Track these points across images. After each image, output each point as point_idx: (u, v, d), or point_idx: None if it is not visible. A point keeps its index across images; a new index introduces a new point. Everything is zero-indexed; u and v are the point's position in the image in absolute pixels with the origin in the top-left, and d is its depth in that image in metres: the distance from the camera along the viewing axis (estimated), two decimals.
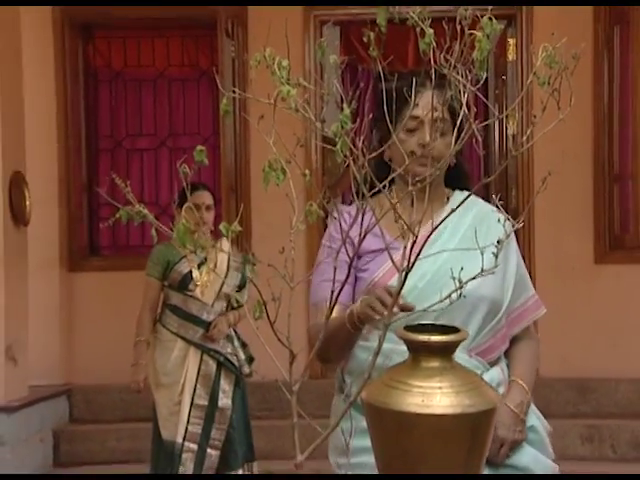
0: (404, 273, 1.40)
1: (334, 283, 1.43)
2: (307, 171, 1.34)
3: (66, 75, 6.45)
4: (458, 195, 2.23)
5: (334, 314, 1.77)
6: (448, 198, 2.24)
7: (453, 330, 1.63)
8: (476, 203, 2.21)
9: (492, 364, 2.13)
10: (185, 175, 1.34)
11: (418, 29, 1.30)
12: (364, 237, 1.38)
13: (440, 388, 1.52)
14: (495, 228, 1.79)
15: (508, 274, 2.19)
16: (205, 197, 4.59)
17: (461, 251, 1.79)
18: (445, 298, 1.45)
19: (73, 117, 6.50)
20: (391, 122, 1.69)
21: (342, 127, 1.27)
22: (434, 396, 1.50)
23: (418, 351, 1.60)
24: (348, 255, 1.43)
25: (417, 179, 1.58)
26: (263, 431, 5.23)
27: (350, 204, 2.23)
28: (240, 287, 4.58)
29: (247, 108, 6.01)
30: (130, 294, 6.11)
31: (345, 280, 1.52)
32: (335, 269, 1.44)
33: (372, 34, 1.28)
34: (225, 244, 4.46)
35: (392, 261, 1.51)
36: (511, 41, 6.40)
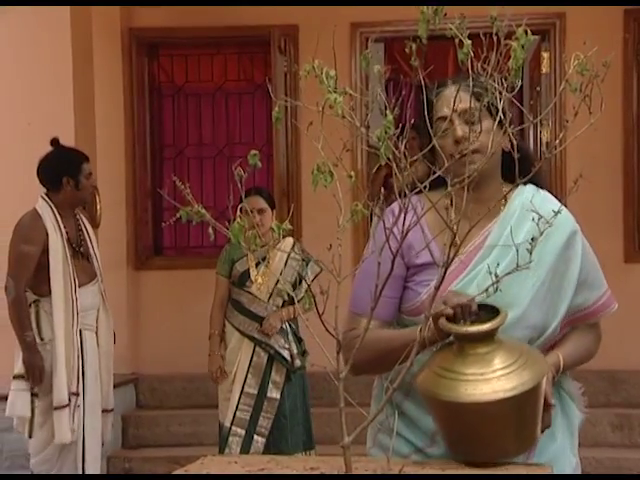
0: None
1: (378, 289, 1.38)
2: (352, 172, 1.33)
3: (133, 90, 6.53)
4: (519, 193, 1.92)
5: (372, 327, 1.65)
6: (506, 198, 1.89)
7: (496, 310, 1.61)
8: (539, 205, 1.81)
9: None
10: (240, 178, 1.34)
11: (457, 40, 1.28)
12: (406, 234, 1.36)
13: (482, 374, 1.51)
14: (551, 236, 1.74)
15: (562, 291, 1.91)
16: (255, 202, 4.55)
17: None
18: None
19: (139, 128, 6.57)
20: (427, 133, 1.64)
21: (385, 132, 1.26)
22: (477, 384, 1.48)
23: (461, 340, 1.59)
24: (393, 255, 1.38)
25: (456, 180, 1.53)
26: (313, 418, 5.23)
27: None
28: (295, 286, 4.58)
29: (298, 117, 6.02)
30: (191, 290, 6.19)
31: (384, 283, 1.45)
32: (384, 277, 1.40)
33: (414, 45, 1.27)
34: (287, 244, 4.50)
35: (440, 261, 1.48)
36: (545, 55, 6.33)
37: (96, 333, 4.32)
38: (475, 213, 1.67)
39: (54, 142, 4.36)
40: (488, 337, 1.58)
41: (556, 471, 1.78)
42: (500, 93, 1.30)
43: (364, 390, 2.12)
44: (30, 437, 4.14)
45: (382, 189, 1.41)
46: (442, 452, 1.79)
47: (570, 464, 1.96)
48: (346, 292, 1.45)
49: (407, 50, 1.28)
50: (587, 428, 2.14)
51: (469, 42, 1.26)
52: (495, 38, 1.26)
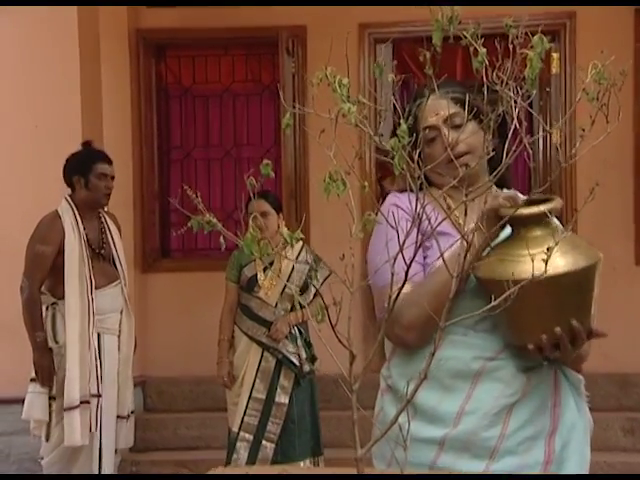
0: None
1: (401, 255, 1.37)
2: (366, 183, 1.32)
3: (140, 91, 6.53)
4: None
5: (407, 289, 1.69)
6: None
7: (547, 200, 1.71)
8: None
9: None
10: (252, 187, 1.33)
11: (472, 49, 1.27)
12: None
13: (540, 254, 1.52)
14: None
15: None
16: (259, 205, 4.51)
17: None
18: (496, 302, 1.42)
19: (147, 130, 6.57)
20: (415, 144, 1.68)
21: (399, 141, 1.25)
22: (535, 262, 1.49)
23: (520, 224, 1.71)
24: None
25: (446, 188, 1.63)
26: (322, 422, 5.23)
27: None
28: (303, 290, 4.57)
29: (306, 120, 6.01)
30: (198, 293, 6.19)
31: (415, 252, 1.44)
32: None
33: (428, 53, 1.26)
34: (296, 248, 4.49)
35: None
36: (555, 55, 6.31)
37: (119, 337, 4.33)
38: (469, 209, 1.72)
39: (85, 143, 4.41)
40: (545, 220, 1.69)
41: (573, 455, 1.90)
42: (515, 102, 1.28)
43: (374, 392, 2.10)
44: (47, 440, 4.16)
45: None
46: (468, 428, 1.85)
47: (586, 457, 1.98)
48: (358, 302, 1.44)
49: (421, 58, 1.27)
50: (598, 432, 2.14)
51: (484, 50, 1.25)
52: (511, 46, 1.25)
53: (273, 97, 6.62)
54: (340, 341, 1.31)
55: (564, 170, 5.99)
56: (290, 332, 4.55)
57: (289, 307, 4.58)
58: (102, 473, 4.19)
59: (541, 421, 1.90)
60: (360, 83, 6.16)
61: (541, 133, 6.35)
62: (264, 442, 4.50)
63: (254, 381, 4.52)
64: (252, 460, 4.47)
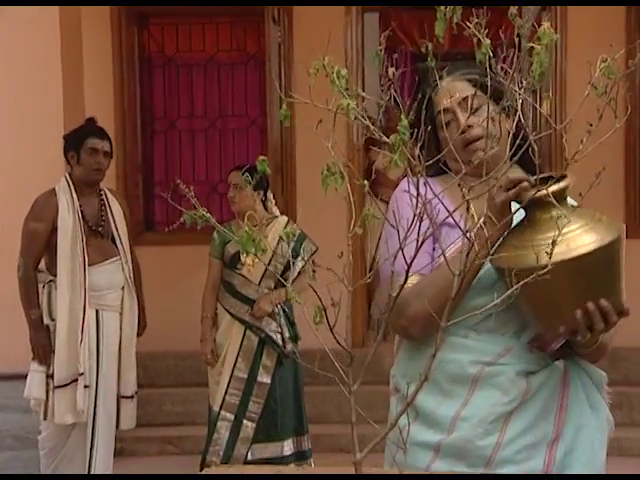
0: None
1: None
2: (366, 182, 1.28)
3: (122, 60, 6.42)
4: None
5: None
6: None
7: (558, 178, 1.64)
8: None
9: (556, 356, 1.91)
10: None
11: (475, 39, 1.23)
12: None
13: (562, 235, 1.49)
14: None
15: None
16: (233, 177, 4.51)
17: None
18: (501, 298, 1.37)
19: (129, 100, 6.47)
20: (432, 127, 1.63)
21: (401, 138, 1.21)
22: (558, 245, 1.44)
23: (533, 208, 1.63)
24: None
25: (463, 172, 1.48)
26: (307, 397, 5.23)
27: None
28: (287, 268, 4.51)
29: (292, 89, 5.94)
30: (183, 267, 6.14)
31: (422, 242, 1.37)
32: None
33: (430, 45, 1.21)
34: (280, 223, 4.45)
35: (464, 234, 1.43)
36: (545, 24, 6.24)
37: (121, 315, 4.31)
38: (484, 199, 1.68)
39: (89, 119, 4.38)
40: (560, 199, 1.61)
41: (576, 462, 1.85)
42: (520, 95, 1.24)
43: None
44: (45, 419, 4.15)
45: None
46: (462, 435, 1.82)
47: (594, 463, 1.91)
48: (354, 300, 1.40)
49: (423, 50, 1.22)
50: None
51: (488, 42, 1.21)
52: (517, 40, 1.21)
53: (259, 67, 6.53)
54: (339, 343, 1.28)
55: (554, 144, 5.96)
56: (273, 311, 4.50)
57: (273, 285, 4.52)
58: (95, 452, 4.18)
59: (543, 428, 1.85)
60: (347, 52, 6.07)
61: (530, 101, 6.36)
62: (245, 421, 4.47)
63: (236, 360, 4.48)
64: (233, 439, 4.45)
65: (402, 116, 1.21)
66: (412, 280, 1.50)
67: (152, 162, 6.67)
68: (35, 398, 4.14)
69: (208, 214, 1.34)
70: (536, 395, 1.85)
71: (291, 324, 4.57)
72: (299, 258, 4.50)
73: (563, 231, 1.50)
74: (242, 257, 4.45)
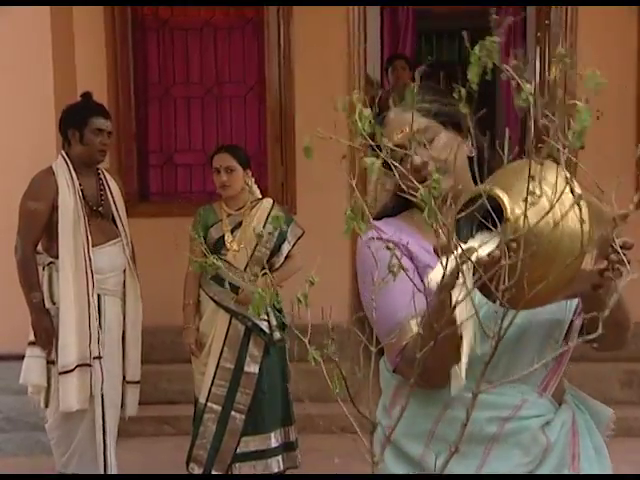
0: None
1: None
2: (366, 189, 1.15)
3: (115, 24, 6.26)
4: None
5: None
6: None
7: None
8: None
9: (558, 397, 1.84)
10: None
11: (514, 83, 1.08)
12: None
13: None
14: None
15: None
16: (224, 159, 4.34)
17: None
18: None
19: (122, 65, 6.32)
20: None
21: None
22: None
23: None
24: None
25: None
26: (300, 374, 5.12)
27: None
28: (274, 252, 4.38)
29: (291, 56, 5.80)
30: (179, 239, 6.00)
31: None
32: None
33: (463, 90, 1.07)
34: (266, 205, 4.32)
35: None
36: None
37: (123, 300, 4.21)
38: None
39: (84, 95, 4.21)
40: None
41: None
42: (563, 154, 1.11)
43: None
44: (46, 406, 4.06)
45: None
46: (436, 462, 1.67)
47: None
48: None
49: (456, 95, 1.08)
50: (594, 384, 2.04)
51: (529, 86, 1.07)
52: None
53: (257, 31, 6.37)
54: (359, 411, 1.17)
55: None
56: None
57: (259, 271, 4.29)
58: (106, 439, 4.10)
59: None
60: (349, 20, 5.90)
61: (537, 65, 6.20)
62: (233, 413, 4.34)
63: (222, 349, 4.34)
64: (221, 432, 4.33)
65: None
66: (414, 325, 1.41)
67: (146, 130, 6.52)
68: (35, 385, 4.04)
69: (218, 262, 1.24)
70: (553, 450, 1.74)
71: (278, 311, 4.38)
72: (286, 242, 4.38)
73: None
74: (227, 242, 4.33)
